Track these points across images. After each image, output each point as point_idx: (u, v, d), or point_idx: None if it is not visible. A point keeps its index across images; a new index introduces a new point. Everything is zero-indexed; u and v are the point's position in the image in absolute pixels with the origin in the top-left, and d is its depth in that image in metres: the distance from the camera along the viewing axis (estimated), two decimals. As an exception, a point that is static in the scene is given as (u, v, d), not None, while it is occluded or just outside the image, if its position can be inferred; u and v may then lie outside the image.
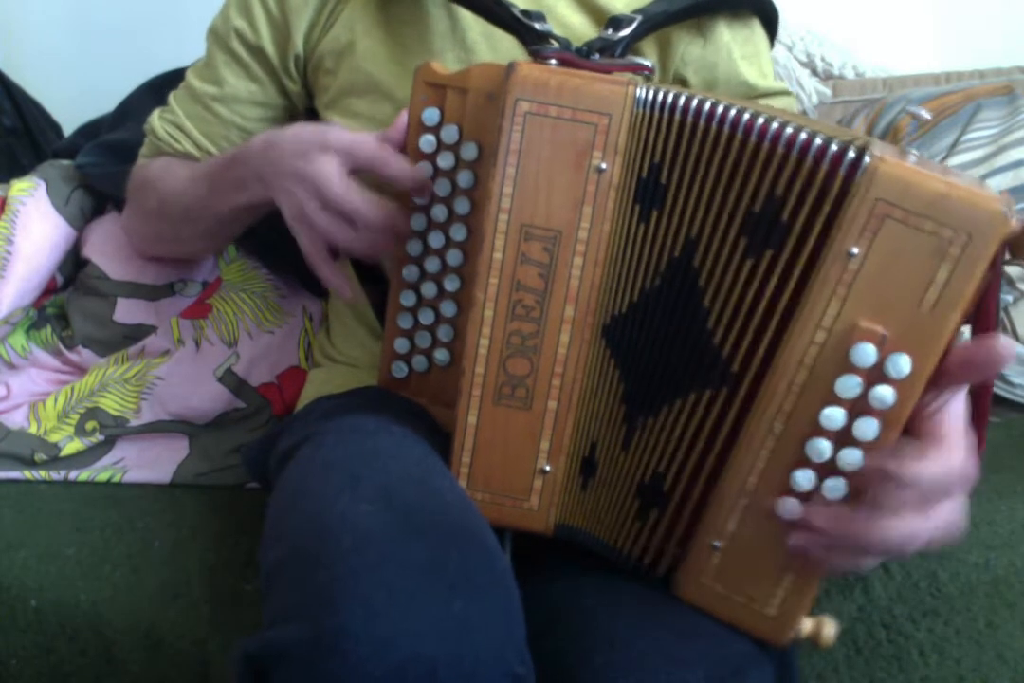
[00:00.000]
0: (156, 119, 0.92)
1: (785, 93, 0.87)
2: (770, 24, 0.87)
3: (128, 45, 1.56)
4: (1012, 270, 1.13)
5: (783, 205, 0.57)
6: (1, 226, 1.04)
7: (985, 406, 0.60)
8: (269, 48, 0.85)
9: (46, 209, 1.07)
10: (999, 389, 1.10)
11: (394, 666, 0.50)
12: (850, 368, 0.55)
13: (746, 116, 0.58)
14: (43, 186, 1.08)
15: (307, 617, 0.52)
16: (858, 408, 0.55)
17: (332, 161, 0.67)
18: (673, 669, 0.58)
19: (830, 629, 0.61)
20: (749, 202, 0.58)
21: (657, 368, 0.63)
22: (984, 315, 0.57)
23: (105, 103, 1.22)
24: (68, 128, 1.33)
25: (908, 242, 0.53)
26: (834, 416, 0.55)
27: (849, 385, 0.55)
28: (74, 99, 1.35)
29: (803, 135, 0.57)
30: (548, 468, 0.65)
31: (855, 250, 0.54)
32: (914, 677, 0.70)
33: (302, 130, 0.71)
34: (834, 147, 0.56)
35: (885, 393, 0.54)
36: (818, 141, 0.56)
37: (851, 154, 0.55)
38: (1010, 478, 0.89)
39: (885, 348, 0.54)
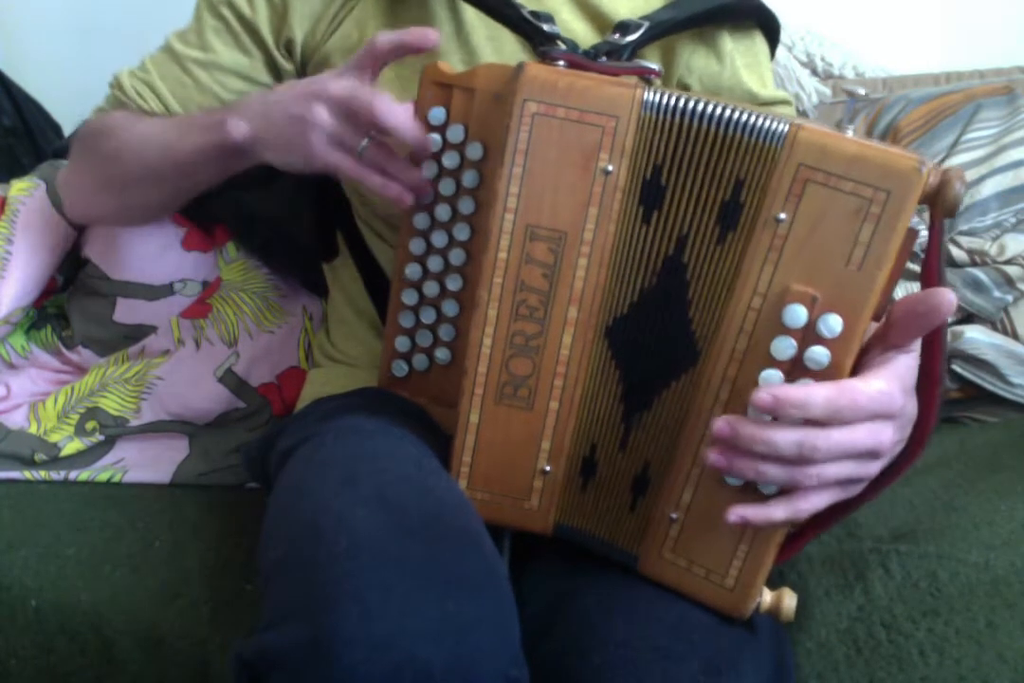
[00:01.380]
0: (125, 75, 0.87)
1: (785, 102, 0.88)
2: (771, 35, 0.88)
3: (128, 45, 1.55)
4: (1012, 270, 1.13)
5: (743, 187, 0.59)
6: (1, 226, 1.04)
7: (935, 370, 0.60)
8: (263, 26, 0.82)
9: (46, 209, 1.07)
10: (999, 389, 1.10)
11: (390, 669, 0.50)
12: (783, 330, 0.56)
13: (724, 111, 0.59)
14: (43, 186, 1.08)
15: (303, 619, 0.52)
16: (796, 370, 0.57)
17: (332, 109, 0.65)
18: (669, 665, 0.59)
19: (790, 601, 0.63)
20: (723, 192, 0.60)
21: (651, 364, 0.63)
22: (929, 273, 0.59)
23: (105, 103, 1.22)
24: (68, 128, 1.33)
25: (831, 204, 0.55)
26: (771, 379, 0.57)
27: (783, 347, 0.56)
28: (74, 99, 1.35)
29: (744, 116, 0.58)
30: (549, 468, 0.65)
31: (782, 215, 0.56)
32: (914, 677, 0.70)
33: (298, 82, 0.69)
34: (764, 122, 0.57)
35: (819, 353, 0.56)
36: (755, 119, 0.58)
37: (775, 125, 0.57)
38: (1010, 478, 0.89)
39: (816, 309, 0.56)
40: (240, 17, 0.83)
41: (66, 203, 0.99)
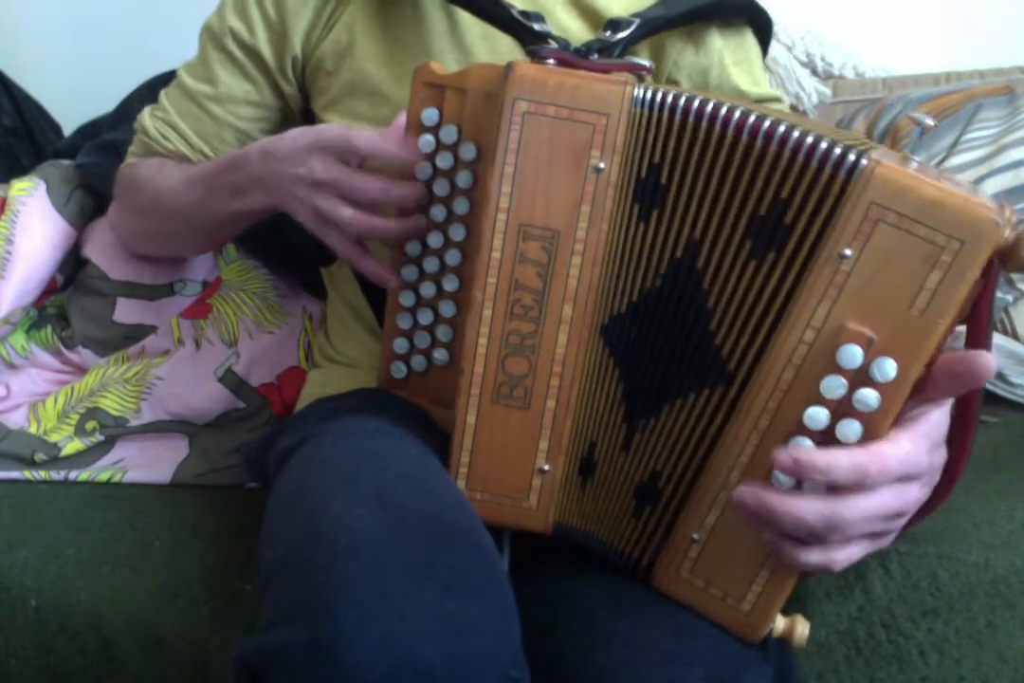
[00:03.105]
0: (147, 117, 0.92)
1: (777, 99, 0.88)
2: (762, 33, 0.88)
3: (128, 45, 1.56)
4: (1012, 270, 1.13)
5: (787, 207, 0.57)
6: (1, 226, 1.05)
7: (969, 420, 0.60)
8: (265, 50, 0.85)
9: (46, 209, 1.07)
10: (999, 389, 1.10)
11: (388, 670, 0.50)
12: (836, 369, 0.55)
13: (751, 118, 0.58)
14: (43, 186, 1.08)
15: (302, 620, 0.52)
16: (842, 409, 0.55)
17: (327, 158, 0.68)
18: (672, 669, 0.58)
19: (803, 629, 0.62)
20: (755, 205, 0.58)
21: (657, 368, 0.63)
22: (977, 324, 0.58)
23: (105, 103, 1.22)
24: (68, 128, 1.34)
25: (901, 246, 0.53)
26: (817, 416, 0.56)
27: (833, 386, 0.55)
28: (74, 99, 1.35)
29: (809, 138, 0.57)
30: (547, 468, 0.65)
31: (848, 252, 0.54)
32: (914, 677, 0.70)
33: (297, 135, 0.71)
34: (837, 150, 0.56)
35: (869, 396, 0.54)
36: (823, 144, 0.56)
37: (851, 157, 0.55)
38: (1010, 478, 0.89)
39: (872, 351, 0.54)
40: (242, 45, 0.86)
41: (121, 240, 1.06)
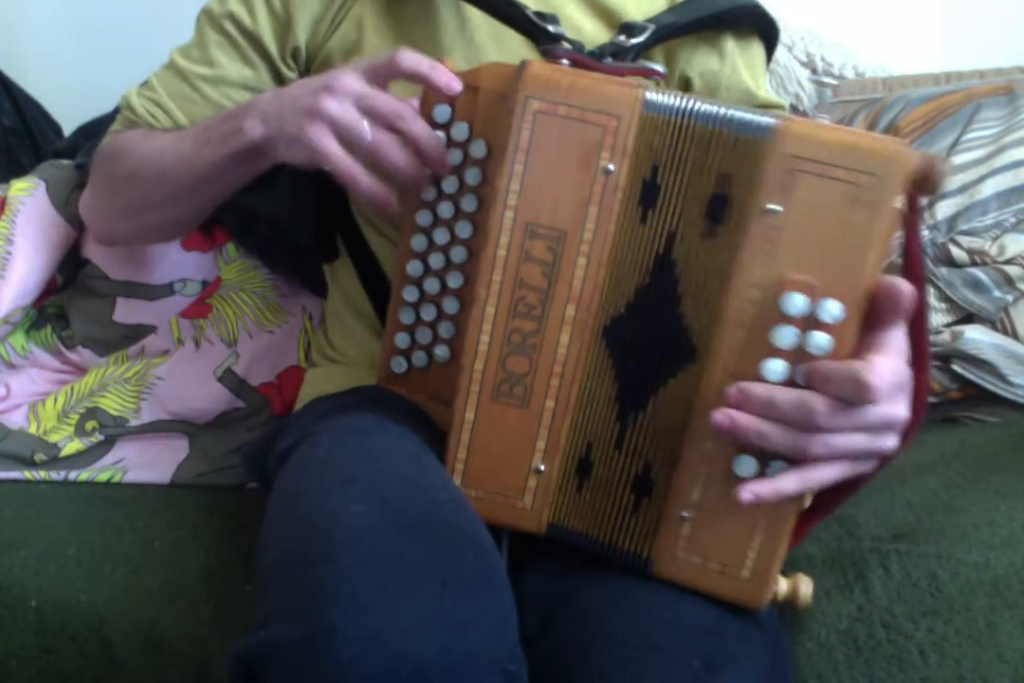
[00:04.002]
0: (134, 95, 0.87)
1: (780, 107, 0.89)
2: (769, 43, 0.89)
3: (128, 45, 1.56)
4: (1012, 270, 1.13)
5: (730, 180, 0.59)
6: (1, 226, 1.04)
7: (922, 340, 0.61)
8: (266, 37, 0.83)
9: (46, 209, 1.07)
10: (999, 389, 1.10)
11: (383, 665, 0.50)
12: (783, 319, 0.57)
13: (703, 106, 0.60)
14: (43, 186, 1.08)
15: (298, 617, 0.52)
16: (798, 358, 0.57)
17: (359, 76, 0.65)
18: (669, 665, 0.59)
19: (807, 587, 0.63)
20: (709, 186, 0.60)
21: (645, 363, 0.63)
22: (910, 259, 0.61)
23: (105, 103, 1.21)
24: (68, 128, 1.33)
25: (823, 192, 0.56)
26: (774, 368, 0.57)
27: (784, 335, 0.57)
28: (74, 99, 1.35)
29: (731, 112, 0.59)
30: (543, 468, 0.65)
31: (775, 206, 0.57)
32: (914, 677, 0.70)
33: (311, 78, 0.70)
34: (752, 117, 0.59)
35: (821, 339, 0.56)
36: (742, 114, 0.59)
37: (763, 120, 0.58)
38: (1010, 478, 0.89)
39: (815, 296, 0.56)
40: (243, 30, 0.84)
41: (90, 228, 0.99)
